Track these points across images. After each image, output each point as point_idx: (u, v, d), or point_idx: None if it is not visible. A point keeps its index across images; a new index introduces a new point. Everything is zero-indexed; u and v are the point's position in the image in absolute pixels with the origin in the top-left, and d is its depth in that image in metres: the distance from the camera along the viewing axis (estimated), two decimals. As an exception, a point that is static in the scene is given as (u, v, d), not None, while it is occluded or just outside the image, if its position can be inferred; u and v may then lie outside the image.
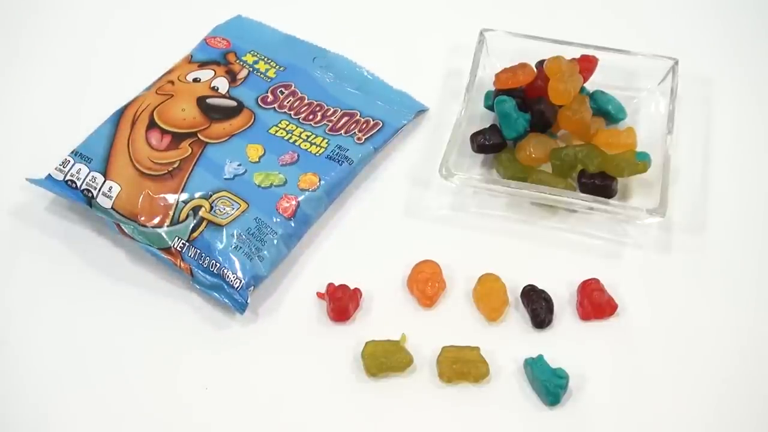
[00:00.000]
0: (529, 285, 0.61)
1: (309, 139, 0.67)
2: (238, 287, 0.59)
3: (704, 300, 0.62)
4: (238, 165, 0.65)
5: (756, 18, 0.80)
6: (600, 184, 0.64)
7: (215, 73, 0.70)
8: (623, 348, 0.59)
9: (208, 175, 0.64)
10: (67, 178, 0.64)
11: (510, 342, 0.59)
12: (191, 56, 0.72)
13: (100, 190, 0.63)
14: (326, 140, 0.67)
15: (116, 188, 0.63)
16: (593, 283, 0.61)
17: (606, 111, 0.69)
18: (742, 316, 0.61)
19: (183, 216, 0.62)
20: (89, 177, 0.63)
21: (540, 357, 0.57)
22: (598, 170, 0.64)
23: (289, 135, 0.67)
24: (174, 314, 0.60)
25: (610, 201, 0.64)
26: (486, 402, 0.57)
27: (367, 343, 0.58)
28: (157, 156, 0.64)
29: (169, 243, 0.61)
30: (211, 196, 0.63)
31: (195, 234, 0.61)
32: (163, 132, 0.66)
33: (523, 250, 0.64)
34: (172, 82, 0.69)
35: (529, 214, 0.66)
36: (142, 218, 0.62)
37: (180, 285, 0.62)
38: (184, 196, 0.63)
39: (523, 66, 0.68)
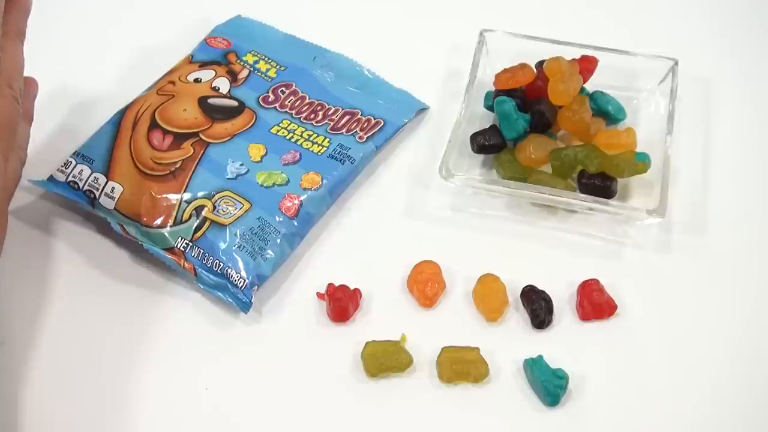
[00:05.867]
0: (529, 285, 0.61)
1: (311, 138, 0.67)
2: (242, 287, 0.60)
3: (704, 300, 0.62)
4: (241, 165, 0.65)
5: (756, 18, 0.80)
6: (600, 185, 0.64)
7: (216, 74, 0.71)
8: (623, 348, 0.59)
9: (210, 175, 0.64)
10: (69, 180, 0.64)
11: (510, 342, 0.59)
12: (192, 56, 0.72)
13: (102, 191, 0.63)
14: (328, 139, 0.67)
15: (119, 189, 0.63)
16: (593, 283, 0.61)
17: (606, 111, 0.69)
18: (742, 316, 0.61)
19: (186, 216, 0.62)
20: (91, 178, 0.63)
21: (540, 357, 0.57)
22: (598, 171, 0.65)
23: (291, 134, 0.67)
24: (177, 314, 0.61)
25: (610, 201, 0.64)
26: (486, 402, 0.57)
27: (366, 343, 0.58)
28: (159, 156, 0.65)
29: (173, 243, 0.61)
30: (213, 195, 0.63)
31: (198, 234, 0.61)
32: (165, 132, 0.66)
33: (523, 250, 0.64)
34: (173, 83, 0.69)
35: (529, 215, 0.66)
36: (145, 219, 0.62)
37: (184, 285, 0.62)
38: (186, 196, 0.63)
39: (523, 66, 0.68)
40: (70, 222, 0.65)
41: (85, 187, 0.63)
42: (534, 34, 0.71)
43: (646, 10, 0.81)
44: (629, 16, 0.80)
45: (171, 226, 0.62)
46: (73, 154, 0.65)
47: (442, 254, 0.63)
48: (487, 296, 0.61)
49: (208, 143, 0.66)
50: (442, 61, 0.76)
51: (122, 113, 0.67)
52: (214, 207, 0.62)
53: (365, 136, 0.68)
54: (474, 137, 0.67)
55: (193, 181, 0.64)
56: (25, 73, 0.61)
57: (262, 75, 0.71)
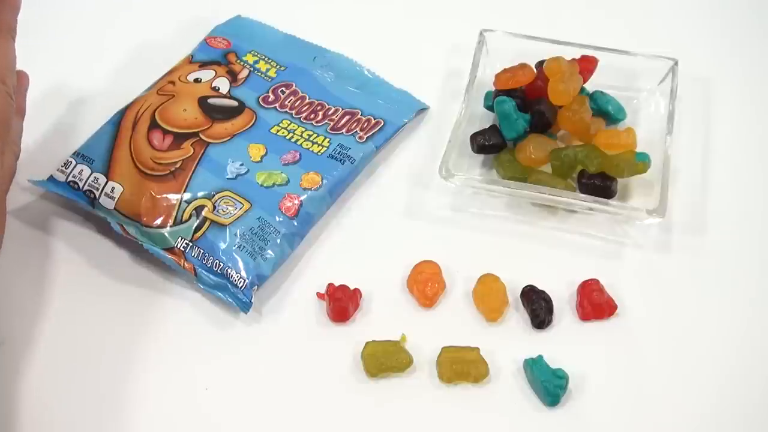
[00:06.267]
0: (529, 285, 0.61)
1: (311, 138, 0.67)
2: (242, 287, 0.60)
3: (704, 300, 0.62)
4: (241, 165, 0.65)
5: (756, 18, 0.80)
6: (600, 185, 0.64)
7: (216, 74, 0.71)
8: (623, 348, 0.59)
9: (210, 175, 0.64)
10: (69, 179, 0.64)
11: (510, 342, 0.59)
12: (192, 56, 0.72)
13: (102, 191, 0.63)
14: (328, 139, 0.67)
15: (119, 189, 0.63)
16: (593, 283, 0.61)
17: (606, 111, 0.69)
18: (742, 316, 0.61)
19: (186, 216, 0.62)
20: (91, 178, 0.63)
21: (540, 357, 0.57)
22: (598, 171, 0.65)
23: (291, 134, 0.67)
24: (177, 314, 0.61)
25: (610, 201, 0.64)
26: (486, 402, 0.57)
27: (366, 343, 0.58)
28: (159, 156, 0.65)
29: (173, 243, 0.61)
30: (213, 195, 0.63)
31: (198, 234, 0.61)
32: (165, 132, 0.66)
33: (523, 250, 0.64)
34: (173, 83, 0.69)
35: (529, 215, 0.66)
36: (145, 219, 0.62)
37: (183, 285, 0.62)
38: (186, 196, 0.63)
39: (523, 66, 0.68)
40: (70, 222, 0.65)
41: (85, 187, 0.63)
42: (534, 34, 0.71)
43: (646, 10, 0.81)
44: (629, 16, 0.80)
45: (171, 226, 0.62)
46: (73, 154, 0.65)
47: (442, 254, 0.63)
48: (487, 296, 0.61)
49: (208, 143, 0.66)
50: (442, 61, 0.76)
51: (122, 113, 0.67)
52: (214, 207, 0.62)
53: (365, 136, 0.68)
54: (474, 137, 0.67)
55: (193, 181, 0.64)
56: (29, 75, 0.61)
57: (262, 75, 0.71)
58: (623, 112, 0.70)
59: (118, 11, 0.80)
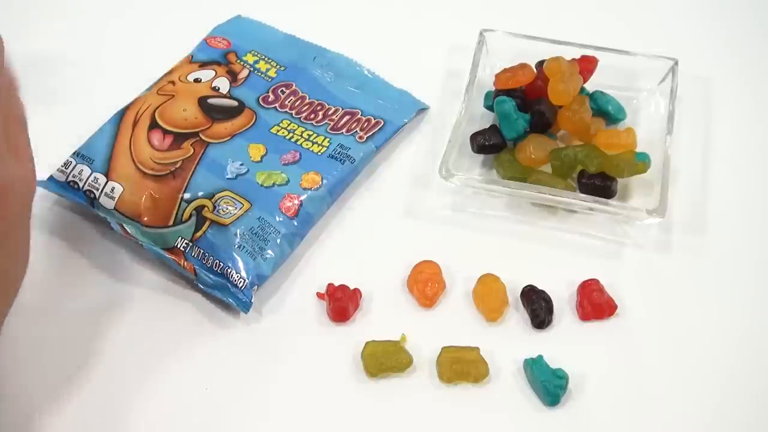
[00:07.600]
0: (529, 285, 0.61)
1: (311, 138, 0.67)
2: (242, 287, 0.60)
3: (704, 300, 0.62)
4: (240, 164, 0.65)
5: (756, 18, 0.80)
6: (600, 185, 0.64)
7: (216, 73, 0.71)
8: (623, 348, 0.59)
9: (210, 175, 0.64)
10: (69, 179, 0.64)
11: (510, 342, 0.59)
12: (192, 56, 0.72)
13: (102, 191, 0.63)
14: (328, 139, 0.67)
15: (119, 189, 0.63)
16: (593, 283, 0.61)
17: (606, 111, 0.69)
18: (742, 315, 0.61)
19: (186, 216, 0.62)
20: (91, 178, 0.63)
21: (540, 357, 0.57)
22: (598, 171, 0.65)
23: (291, 134, 0.67)
24: (177, 314, 0.61)
25: (610, 201, 0.64)
26: (486, 402, 0.57)
27: (366, 343, 0.58)
28: (159, 156, 0.65)
29: (173, 243, 0.61)
30: (213, 195, 0.63)
31: (198, 234, 0.61)
32: (165, 132, 0.66)
33: (523, 250, 0.64)
34: (173, 83, 0.69)
35: (529, 215, 0.66)
36: (145, 219, 0.62)
37: (184, 285, 0.62)
38: (186, 196, 0.63)
39: (523, 66, 0.68)
40: (70, 222, 0.65)
41: (85, 187, 0.63)
42: (534, 34, 0.71)
43: (646, 10, 0.81)
44: (629, 16, 0.80)
45: (171, 226, 0.62)
46: (73, 154, 0.65)
47: (442, 254, 0.63)
48: (487, 296, 0.61)
49: (208, 143, 0.66)
50: (442, 61, 0.76)
51: (122, 113, 0.67)
52: (214, 207, 0.62)
53: (365, 136, 0.68)
54: (474, 137, 0.67)
55: (193, 181, 0.63)
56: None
57: (262, 75, 0.71)
58: (623, 112, 0.70)
59: (119, 11, 0.80)
